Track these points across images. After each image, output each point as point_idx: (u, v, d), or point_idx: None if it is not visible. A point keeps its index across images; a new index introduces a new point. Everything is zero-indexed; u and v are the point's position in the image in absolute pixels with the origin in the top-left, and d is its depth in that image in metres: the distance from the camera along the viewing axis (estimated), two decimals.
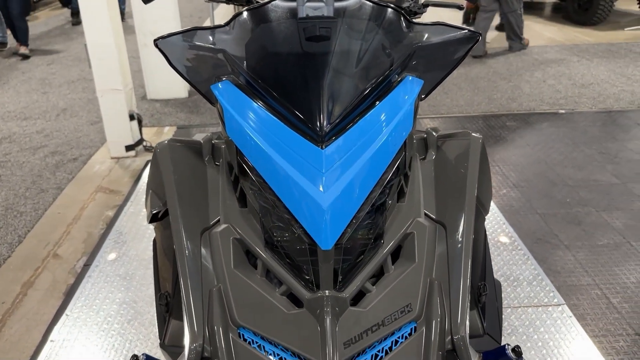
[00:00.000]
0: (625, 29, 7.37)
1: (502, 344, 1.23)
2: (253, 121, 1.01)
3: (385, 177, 1.01)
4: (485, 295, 1.19)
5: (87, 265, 2.59)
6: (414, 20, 1.16)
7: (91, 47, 3.50)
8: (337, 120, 0.97)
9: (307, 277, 0.96)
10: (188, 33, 1.14)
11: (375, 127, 0.99)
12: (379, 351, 0.92)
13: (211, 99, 1.18)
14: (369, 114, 1.00)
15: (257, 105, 1.03)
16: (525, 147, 3.92)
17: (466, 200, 1.10)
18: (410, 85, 1.09)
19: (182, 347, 1.26)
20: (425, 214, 1.10)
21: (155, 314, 2.15)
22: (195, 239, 1.05)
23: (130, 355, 1.95)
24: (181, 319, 1.31)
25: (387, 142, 1.00)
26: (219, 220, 1.09)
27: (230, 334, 0.93)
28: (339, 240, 0.92)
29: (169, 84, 5.08)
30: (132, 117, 3.84)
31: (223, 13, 9.27)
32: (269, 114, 1.01)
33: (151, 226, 2.73)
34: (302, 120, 0.97)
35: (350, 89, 1.00)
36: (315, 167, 0.93)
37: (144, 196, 3.04)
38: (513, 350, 1.17)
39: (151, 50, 4.86)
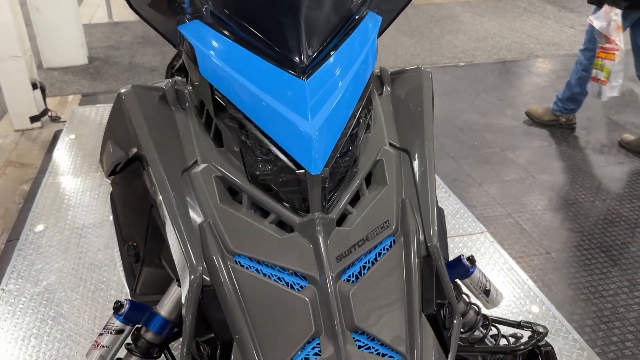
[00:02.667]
0: None
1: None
2: (230, 58, 1.04)
3: (357, 108, 1.09)
4: None
5: (12, 240, 2.47)
6: None
7: None
8: (316, 53, 1.02)
9: (293, 205, 1.02)
10: None
11: (348, 59, 1.06)
12: (365, 263, 1.01)
13: (175, 42, 1.18)
14: (341, 47, 1.06)
15: (231, 41, 1.05)
16: None
17: (424, 128, 1.21)
18: (372, 20, 1.16)
19: (155, 295, 1.28)
20: (390, 143, 1.20)
21: (104, 277, 2.12)
22: (176, 180, 1.07)
23: (81, 321, 1.92)
24: (155, 266, 1.33)
25: (358, 74, 1.07)
26: (196, 162, 1.11)
27: (228, 262, 0.98)
28: (323, 167, 0.99)
29: (66, 51, 4.78)
30: (34, 86, 3.61)
31: None
32: (246, 49, 1.04)
33: (79, 195, 2.64)
34: (282, 54, 1.01)
35: (324, 22, 1.06)
36: (300, 98, 0.98)
37: (62, 166, 2.91)
38: (468, 259, 1.32)
39: (44, 16, 4.53)
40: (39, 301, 2.00)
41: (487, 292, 1.32)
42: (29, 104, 3.58)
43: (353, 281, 0.98)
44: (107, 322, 1.18)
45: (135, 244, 1.37)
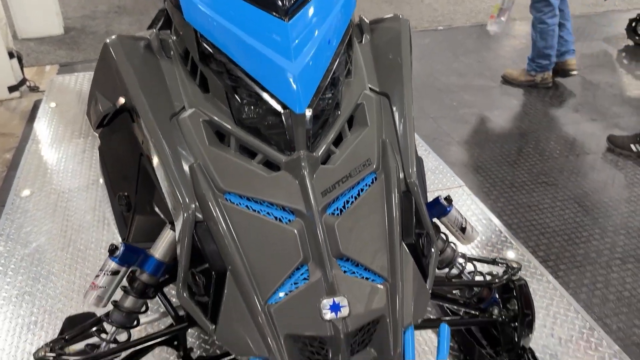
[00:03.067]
0: None
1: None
2: (213, 2, 1.07)
3: (338, 52, 1.13)
4: None
5: None
6: None
7: None
8: None
9: (279, 145, 1.07)
10: None
11: (329, 3, 1.10)
12: (349, 198, 1.07)
13: None
14: None
15: None
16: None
17: (403, 73, 1.26)
18: None
19: (147, 242, 1.33)
20: (370, 88, 1.25)
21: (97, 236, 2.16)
22: (165, 126, 1.11)
23: (73, 278, 1.97)
24: (146, 214, 1.37)
25: (338, 17, 1.12)
26: (184, 108, 1.15)
27: (219, 199, 1.03)
28: (307, 107, 1.04)
29: (42, 21, 4.69)
30: (11, 55, 3.57)
31: None
32: None
33: (63, 161, 2.65)
34: None
35: None
36: (283, 39, 1.03)
37: (44, 134, 2.91)
38: (445, 199, 1.40)
39: None
40: (30, 261, 2.04)
41: (463, 230, 1.40)
42: (7, 74, 3.54)
43: (338, 214, 1.04)
44: (103, 265, 1.23)
45: (126, 194, 1.41)
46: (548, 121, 3.33)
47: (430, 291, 1.09)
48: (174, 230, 1.22)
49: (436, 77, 3.92)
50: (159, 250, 1.23)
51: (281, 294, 0.98)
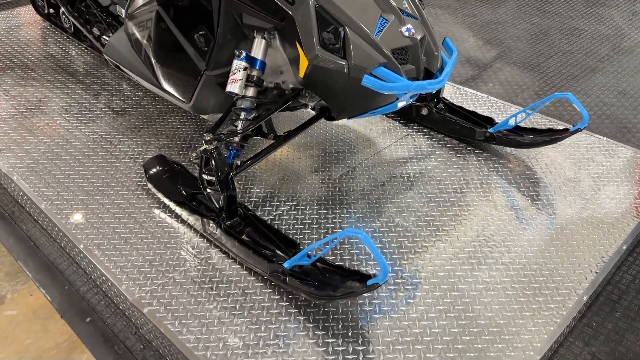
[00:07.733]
0: None
1: None
2: None
3: None
4: None
5: None
6: None
7: None
8: None
9: None
10: None
11: None
12: None
13: None
14: None
15: None
16: None
17: None
18: None
19: (224, 67, 1.90)
20: None
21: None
22: None
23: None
24: (227, 42, 1.91)
25: None
26: None
27: None
28: None
29: None
30: None
31: None
32: None
33: None
34: None
35: None
36: None
37: None
38: None
39: None
40: None
41: None
42: None
43: None
44: (233, 67, 1.79)
45: (203, 32, 1.93)
46: None
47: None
48: (264, 38, 1.83)
49: None
50: (255, 52, 1.83)
51: (377, 32, 1.71)
